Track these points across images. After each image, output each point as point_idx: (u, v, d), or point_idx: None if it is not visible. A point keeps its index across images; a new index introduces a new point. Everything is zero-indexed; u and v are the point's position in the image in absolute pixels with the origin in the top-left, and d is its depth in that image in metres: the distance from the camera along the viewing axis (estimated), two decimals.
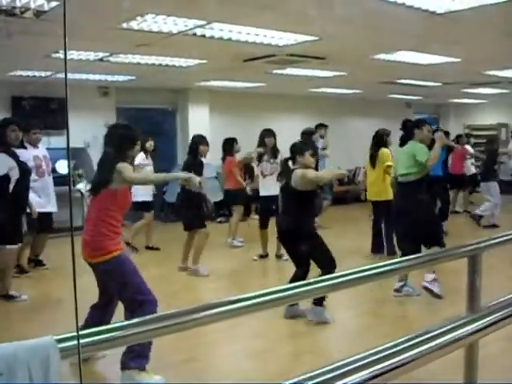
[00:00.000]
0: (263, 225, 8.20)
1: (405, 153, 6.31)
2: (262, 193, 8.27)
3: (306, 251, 5.44)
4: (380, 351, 1.69)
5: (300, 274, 5.43)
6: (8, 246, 6.08)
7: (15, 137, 6.21)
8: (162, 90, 12.26)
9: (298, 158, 5.55)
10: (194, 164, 7.27)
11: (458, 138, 12.57)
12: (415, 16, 5.49)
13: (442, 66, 8.93)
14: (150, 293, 4.03)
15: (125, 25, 5.77)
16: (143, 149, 8.15)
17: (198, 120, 12.23)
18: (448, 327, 1.84)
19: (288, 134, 8.81)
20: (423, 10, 5.25)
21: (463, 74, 10.56)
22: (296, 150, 5.65)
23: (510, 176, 8.21)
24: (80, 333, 1.28)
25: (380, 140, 8.24)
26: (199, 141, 7.47)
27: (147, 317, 1.62)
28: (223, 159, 9.53)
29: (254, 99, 13.54)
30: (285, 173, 5.82)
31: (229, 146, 9.48)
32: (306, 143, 6.00)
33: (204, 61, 8.37)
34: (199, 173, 7.35)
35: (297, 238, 5.46)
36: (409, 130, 6.46)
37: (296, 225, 5.45)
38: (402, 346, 1.72)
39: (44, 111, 10.31)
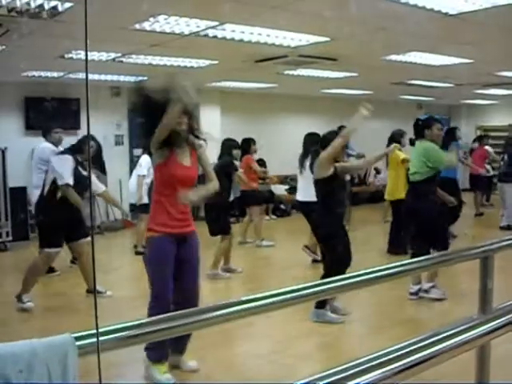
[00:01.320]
0: None
1: (414, 152, 6.34)
2: None
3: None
4: (392, 352, 1.70)
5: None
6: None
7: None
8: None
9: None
10: (229, 166, 7.46)
11: (480, 139, 12.64)
12: (427, 17, 5.48)
13: (454, 66, 8.91)
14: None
15: (137, 26, 5.80)
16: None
17: (209, 121, 12.16)
18: (460, 328, 1.85)
19: (299, 134, 8.80)
20: (435, 11, 5.24)
21: (475, 75, 10.52)
22: (325, 140, 5.56)
23: None
24: (99, 330, 1.30)
25: (394, 141, 8.25)
26: (233, 144, 7.79)
27: (164, 315, 1.64)
28: (240, 159, 9.53)
29: (265, 100, 13.55)
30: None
31: (247, 145, 9.48)
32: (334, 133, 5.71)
33: (215, 61, 8.39)
34: (230, 174, 7.46)
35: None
36: (419, 130, 6.38)
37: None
38: (413, 347, 1.73)
39: (57, 112, 10.38)
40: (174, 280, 4.02)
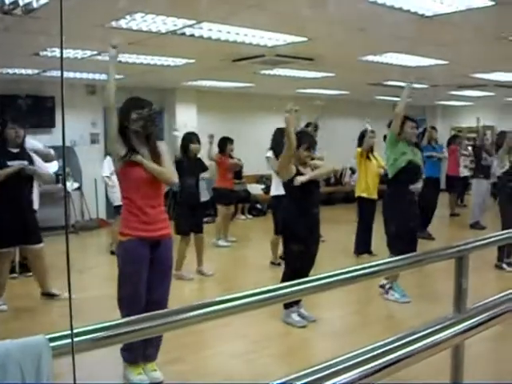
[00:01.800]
0: None
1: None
2: None
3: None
4: (368, 351, 1.70)
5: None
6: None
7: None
8: (150, 90, 12.18)
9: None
10: (187, 162, 7.24)
11: (452, 139, 12.83)
12: (404, 18, 5.52)
13: (429, 68, 9.00)
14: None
15: (114, 23, 5.75)
16: None
17: (186, 120, 12.19)
18: (435, 328, 1.86)
19: None
20: (412, 12, 5.28)
21: (451, 77, 10.63)
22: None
23: (496, 178, 8.27)
24: (74, 331, 1.28)
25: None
26: (190, 139, 7.39)
27: (140, 315, 1.63)
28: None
29: (242, 99, 13.56)
30: None
31: (224, 145, 9.47)
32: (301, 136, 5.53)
33: (192, 60, 8.36)
34: (196, 171, 7.35)
35: None
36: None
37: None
38: (389, 347, 1.73)
39: (32, 109, 10.27)
40: (146, 284, 3.98)
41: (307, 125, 8.59)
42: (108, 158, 8.05)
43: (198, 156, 7.56)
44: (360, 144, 8.42)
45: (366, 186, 8.22)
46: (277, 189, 7.28)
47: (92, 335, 1.43)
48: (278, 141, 6.91)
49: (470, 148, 13.00)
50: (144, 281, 3.95)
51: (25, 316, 5.76)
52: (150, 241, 3.95)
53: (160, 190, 4.08)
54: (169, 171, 4.11)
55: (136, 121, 4.02)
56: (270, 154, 7.62)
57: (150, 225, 3.95)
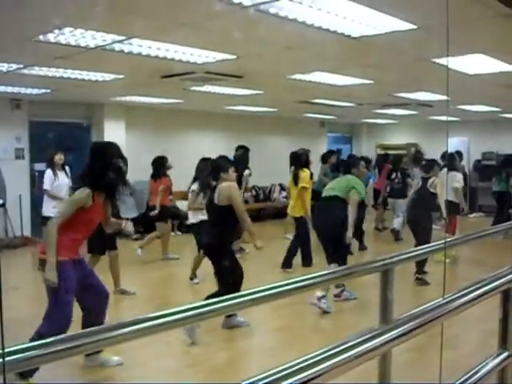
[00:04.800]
0: None
1: (345, 181, 7.03)
2: None
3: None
4: (298, 363, 1.73)
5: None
6: None
7: None
8: (78, 104, 12.05)
9: (222, 175, 5.73)
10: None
11: (384, 157, 13.33)
12: (331, 39, 5.66)
13: (355, 87, 9.23)
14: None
15: (41, 37, 5.65)
16: (52, 162, 8.41)
17: (114, 135, 12.01)
18: (364, 338, 1.92)
19: (204, 150, 8.87)
20: (339, 33, 5.42)
21: (375, 96, 10.95)
22: (218, 167, 5.87)
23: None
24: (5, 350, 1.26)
25: (300, 163, 8.95)
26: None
27: (75, 332, 1.60)
28: (154, 177, 9.61)
29: (171, 116, 13.53)
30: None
31: (161, 165, 9.57)
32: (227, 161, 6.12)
33: (121, 76, 8.29)
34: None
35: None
36: (347, 167, 7.42)
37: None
38: (320, 357, 1.77)
39: None
40: None
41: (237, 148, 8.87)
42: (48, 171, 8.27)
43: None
44: (300, 165, 8.88)
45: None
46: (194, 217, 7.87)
47: (24, 354, 1.41)
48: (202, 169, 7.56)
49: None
50: None
51: None
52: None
53: None
54: None
55: None
56: (194, 186, 7.82)
57: None
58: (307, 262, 8.82)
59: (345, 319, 6.45)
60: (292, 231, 9.64)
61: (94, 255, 7.09)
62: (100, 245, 6.92)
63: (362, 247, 10.63)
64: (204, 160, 7.80)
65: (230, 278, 5.59)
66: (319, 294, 6.40)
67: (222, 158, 6.14)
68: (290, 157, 9.65)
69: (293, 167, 9.18)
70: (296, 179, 8.81)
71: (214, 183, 5.83)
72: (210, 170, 6.05)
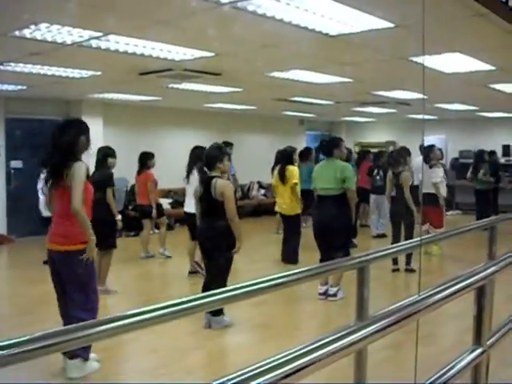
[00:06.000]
0: None
1: (327, 169, 6.81)
2: None
3: None
4: (274, 360, 1.72)
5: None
6: None
7: None
8: (55, 101, 11.93)
9: (218, 165, 5.75)
10: (104, 177, 7.15)
11: (366, 154, 13.36)
12: (309, 37, 5.68)
13: (334, 85, 9.26)
14: None
15: (17, 33, 5.59)
16: None
17: (91, 132, 11.91)
18: (339, 334, 1.92)
19: (183, 148, 8.83)
20: (317, 31, 5.43)
21: (354, 94, 10.99)
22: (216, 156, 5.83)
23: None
24: None
25: (287, 160, 8.99)
26: (108, 153, 7.38)
27: (52, 330, 1.58)
28: (139, 173, 9.51)
29: (149, 113, 13.47)
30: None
31: (146, 160, 9.44)
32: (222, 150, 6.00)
33: (98, 72, 8.23)
34: (110, 185, 7.22)
35: None
36: (328, 148, 7.00)
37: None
38: (296, 354, 1.77)
39: None
40: None
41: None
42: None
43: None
44: (288, 163, 8.96)
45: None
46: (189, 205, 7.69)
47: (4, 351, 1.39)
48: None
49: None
50: None
51: None
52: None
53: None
54: None
55: None
56: (193, 178, 7.73)
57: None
58: (294, 258, 8.87)
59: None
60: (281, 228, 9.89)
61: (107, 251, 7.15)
62: (112, 237, 7.20)
63: (352, 244, 10.52)
64: (198, 148, 7.83)
65: (226, 274, 5.69)
66: (334, 288, 6.77)
67: (217, 147, 6.00)
68: (276, 154, 9.70)
69: (279, 165, 9.17)
70: (283, 177, 8.81)
71: (208, 173, 5.85)
72: (205, 160, 5.98)
